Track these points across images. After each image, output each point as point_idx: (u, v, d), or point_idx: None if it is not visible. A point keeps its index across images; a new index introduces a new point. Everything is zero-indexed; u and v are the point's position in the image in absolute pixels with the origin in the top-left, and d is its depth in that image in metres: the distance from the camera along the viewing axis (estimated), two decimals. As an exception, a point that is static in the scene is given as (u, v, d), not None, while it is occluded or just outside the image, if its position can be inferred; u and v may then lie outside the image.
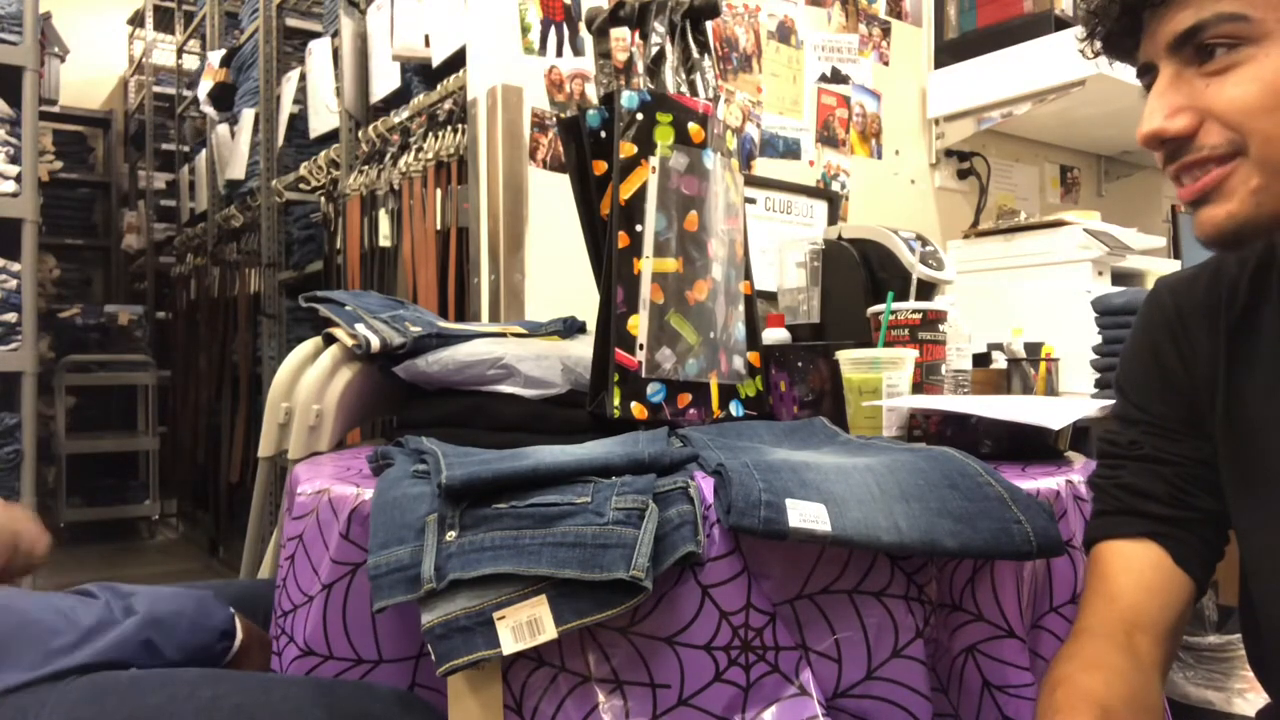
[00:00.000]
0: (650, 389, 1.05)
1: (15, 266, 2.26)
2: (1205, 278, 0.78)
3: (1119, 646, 0.70)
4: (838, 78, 2.10)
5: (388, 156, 2.14)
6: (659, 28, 1.16)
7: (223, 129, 3.50)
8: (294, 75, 2.92)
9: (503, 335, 1.14)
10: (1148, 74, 0.68)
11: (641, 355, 1.04)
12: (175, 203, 4.63)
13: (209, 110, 3.54)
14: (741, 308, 1.17)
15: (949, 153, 2.31)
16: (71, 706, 0.70)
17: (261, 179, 3.08)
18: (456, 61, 1.83)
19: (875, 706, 0.74)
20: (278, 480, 2.01)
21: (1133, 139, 0.69)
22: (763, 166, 1.95)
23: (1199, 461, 0.76)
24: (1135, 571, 0.74)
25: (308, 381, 1.11)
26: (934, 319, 1.13)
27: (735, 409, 1.13)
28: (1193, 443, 0.76)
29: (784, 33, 2.01)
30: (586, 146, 1.10)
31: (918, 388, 1.10)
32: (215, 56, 3.49)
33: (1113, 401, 0.83)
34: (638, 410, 1.03)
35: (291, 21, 3.12)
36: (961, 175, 2.34)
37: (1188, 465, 0.76)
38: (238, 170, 3.33)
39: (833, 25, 2.10)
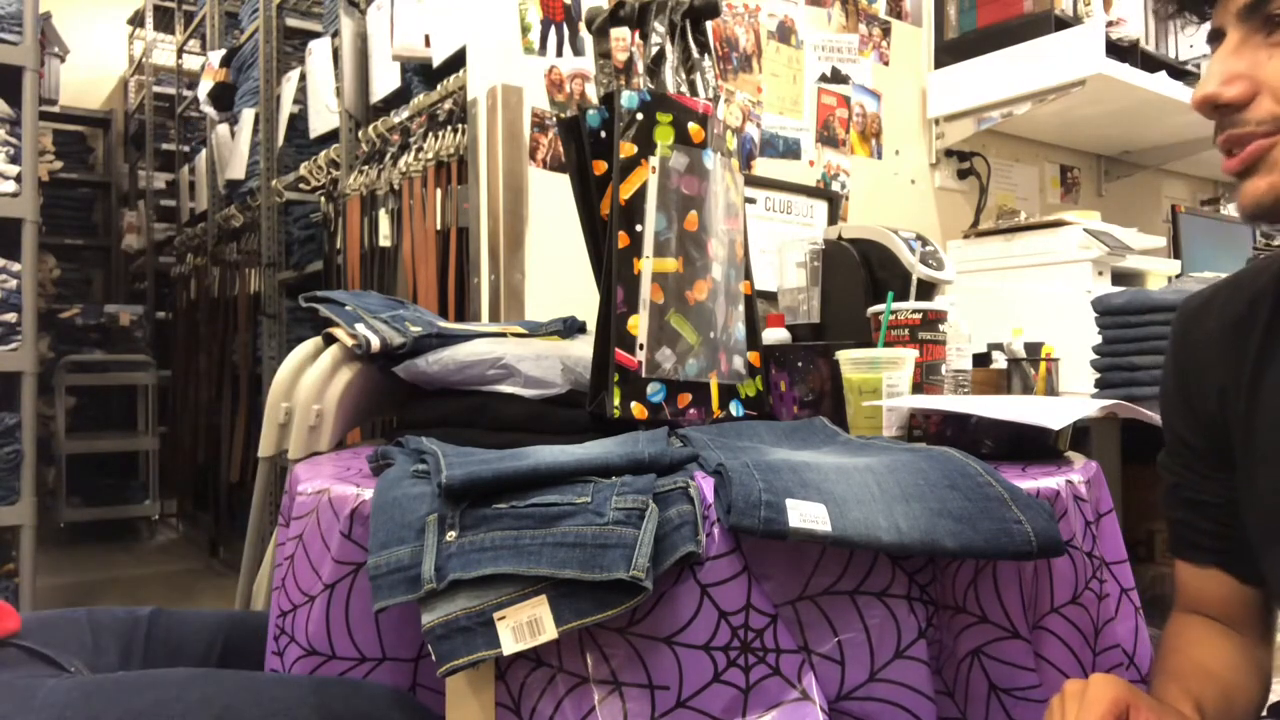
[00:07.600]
0: (650, 389, 1.05)
1: (15, 266, 2.25)
2: (1223, 295, 0.79)
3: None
4: (838, 78, 2.10)
5: (388, 156, 2.14)
6: (659, 28, 1.16)
7: (223, 129, 3.50)
8: (294, 75, 2.92)
9: (503, 335, 1.14)
10: (1216, 40, 0.67)
11: (641, 355, 1.04)
12: (175, 203, 4.63)
13: (209, 110, 3.54)
14: (741, 308, 1.17)
15: (949, 153, 2.31)
16: (61, 708, 0.70)
17: (261, 179, 3.07)
18: (456, 61, 1.83)
19: (879, 709, 0.74)
20: (278, 480, 2.01)
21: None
22: (763, 166, 1.95)
23: (1230, 501, 0.78)
24: (1207, 588, 0.82)
25: (308, 381, 1.11)
26: (934, 319, 1.13)
27: (735, 409, 1.13)
28: (1220, 477, 0.79)
29: (784, 33, 2.01)
30: (586, 146, 1.10)
31: (918, 388, 1.10)
32: (215, 56, 3.49)
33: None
34: (638, 410, 1.03)
35: (291, 21, 3.12)
36: (961, 175, 2.34)
37: (1224, 506, 0.79)
38: (238, 170, 3.33)
39: (833, 25, 2.10)
